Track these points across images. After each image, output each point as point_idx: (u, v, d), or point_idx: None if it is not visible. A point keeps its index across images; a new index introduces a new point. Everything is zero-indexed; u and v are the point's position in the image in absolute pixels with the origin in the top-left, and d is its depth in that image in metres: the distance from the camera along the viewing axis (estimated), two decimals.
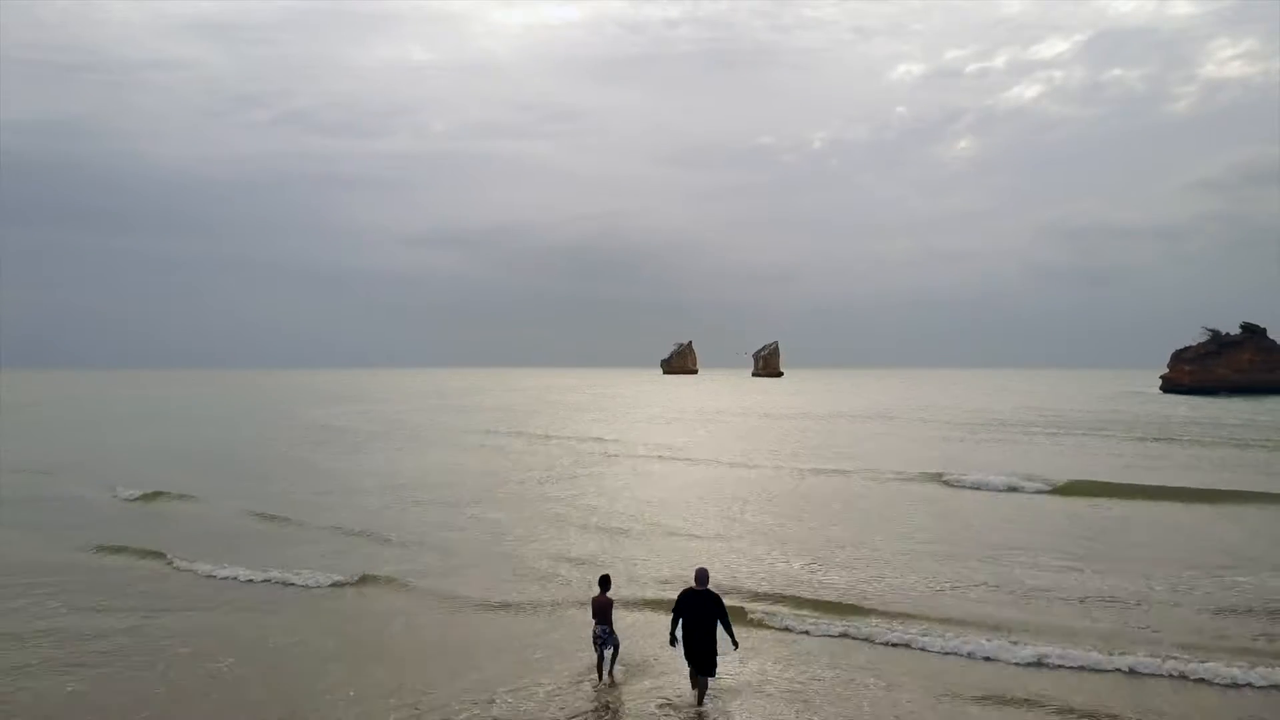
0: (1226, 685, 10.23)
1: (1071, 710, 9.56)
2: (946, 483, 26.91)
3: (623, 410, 74.94)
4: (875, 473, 29.71)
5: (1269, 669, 10.54)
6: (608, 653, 10.61)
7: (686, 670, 9.96)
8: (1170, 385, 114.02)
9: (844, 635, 12.26)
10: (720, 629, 9.70)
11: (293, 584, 15.20)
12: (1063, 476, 27.28)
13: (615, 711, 9.73)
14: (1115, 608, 13.56)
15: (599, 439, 44.39)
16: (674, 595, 10.74)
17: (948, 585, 14.95)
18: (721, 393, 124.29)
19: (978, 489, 25.84)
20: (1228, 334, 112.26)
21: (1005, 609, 13.48)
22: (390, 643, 12.02)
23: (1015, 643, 11.57)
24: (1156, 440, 43.19)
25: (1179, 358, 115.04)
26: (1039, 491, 25.22)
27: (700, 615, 9.68)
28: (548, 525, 20.89)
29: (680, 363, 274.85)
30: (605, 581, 10.93)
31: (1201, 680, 10.34)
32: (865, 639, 12.09)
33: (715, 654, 9.72)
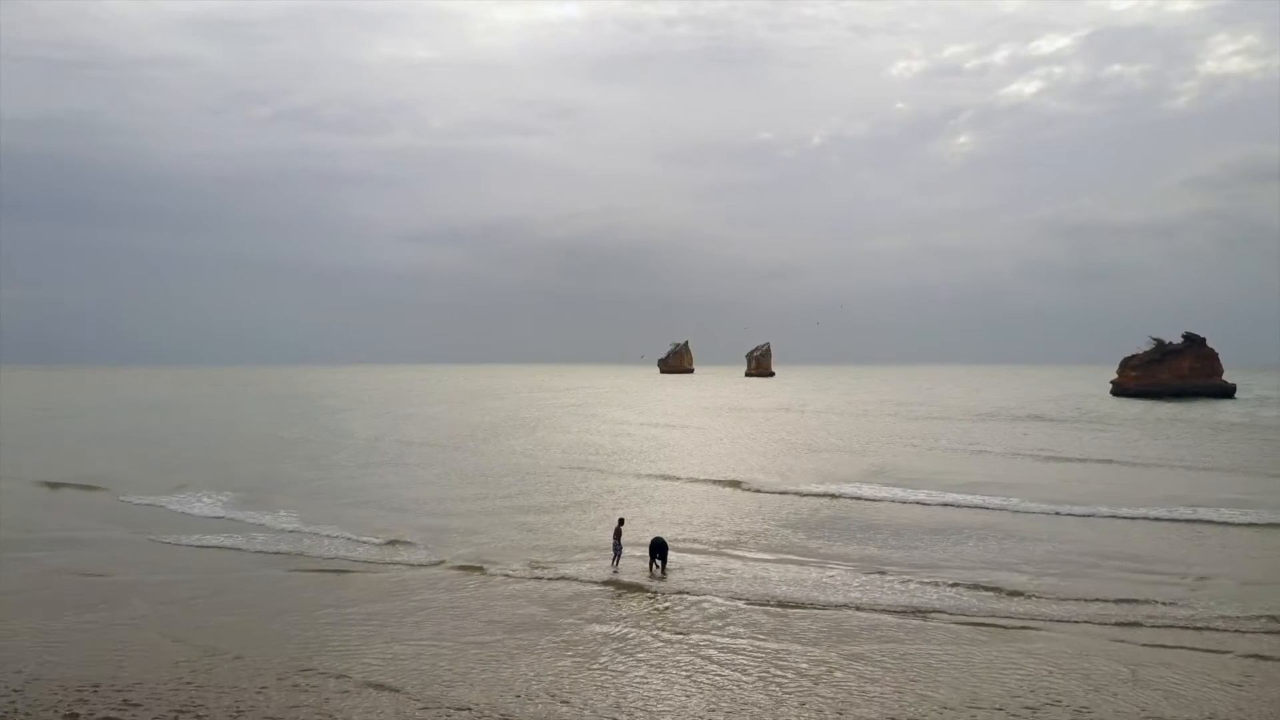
0: None
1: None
2: (746, 487, 36.98)
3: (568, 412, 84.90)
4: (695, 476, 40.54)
5: None
6: (620, 555, 22.20)
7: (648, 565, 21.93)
8: (1119, 389, 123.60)
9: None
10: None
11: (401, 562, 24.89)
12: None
13: (621, 577, 21.40)
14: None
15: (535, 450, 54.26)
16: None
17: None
18: (705, 393, 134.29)
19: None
20: (1170, 342, 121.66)
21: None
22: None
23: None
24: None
25: (1127, 364, 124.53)
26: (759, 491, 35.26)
27: (659, 548, 21.83)
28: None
29: (677, 362, 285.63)
30: (621, 521, 23.19)
31: None
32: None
33: (666, 557, 21.67)
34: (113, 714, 12.70)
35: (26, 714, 12.69)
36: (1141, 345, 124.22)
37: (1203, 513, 29.77)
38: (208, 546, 25.52)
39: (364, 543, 25.80)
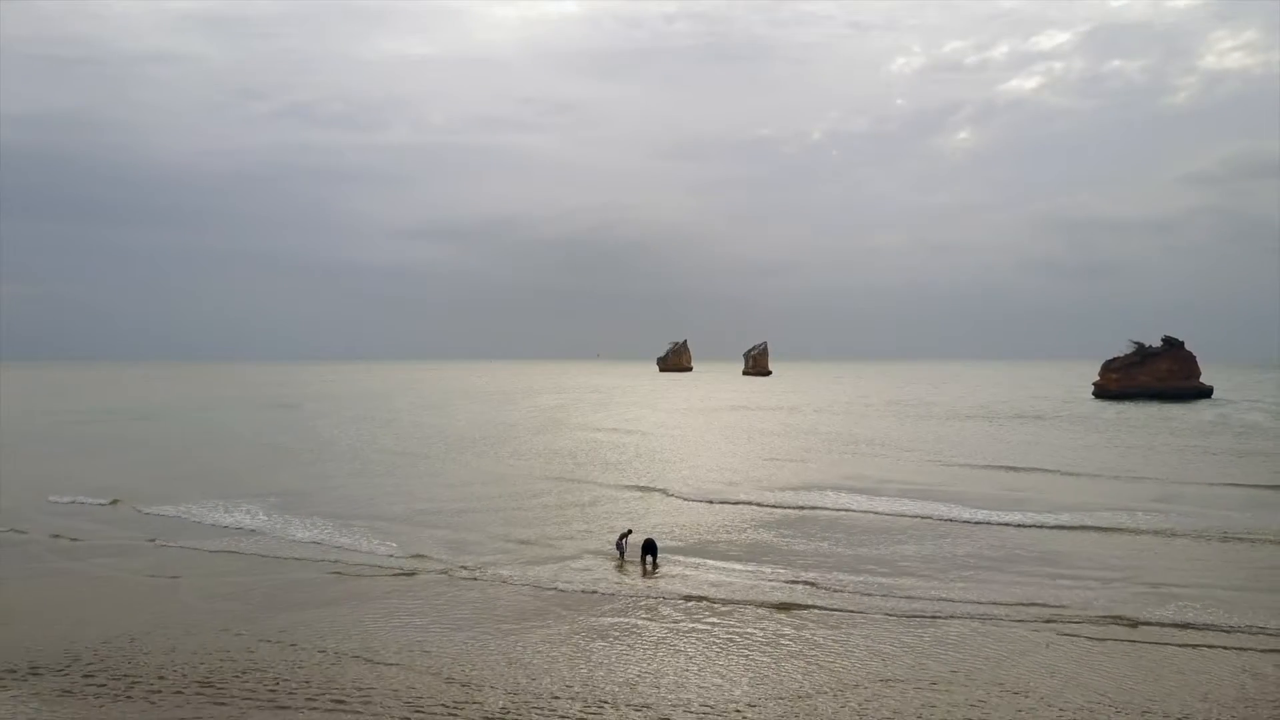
0: None
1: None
2: (666, 493, 41.99)
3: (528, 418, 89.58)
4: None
5: None
6: (623, 554, 27.51)
7: (640, 559, 26.90)
8: (1100, 391, 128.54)
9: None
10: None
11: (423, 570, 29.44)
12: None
13: (622, 570, 26.51)
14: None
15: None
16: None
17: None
18: (700, 394, 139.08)
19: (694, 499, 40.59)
20: (1150, 346, 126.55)
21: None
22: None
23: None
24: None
25: (1108, 367, 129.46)
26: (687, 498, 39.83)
27: (650, 548, 26.85)
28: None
29: (675, 360, 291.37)
30: (628, 531, 28.39)
31: None
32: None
33: (655, 555, 26.48)
34: (246, 669, 17.69)
35: (184, 673, 17.57)
36: (1123, 348, 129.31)
37: (1121, 519, 34.37)
38: (243, 553, 29.25)
39: (385, 551, 29.55)
